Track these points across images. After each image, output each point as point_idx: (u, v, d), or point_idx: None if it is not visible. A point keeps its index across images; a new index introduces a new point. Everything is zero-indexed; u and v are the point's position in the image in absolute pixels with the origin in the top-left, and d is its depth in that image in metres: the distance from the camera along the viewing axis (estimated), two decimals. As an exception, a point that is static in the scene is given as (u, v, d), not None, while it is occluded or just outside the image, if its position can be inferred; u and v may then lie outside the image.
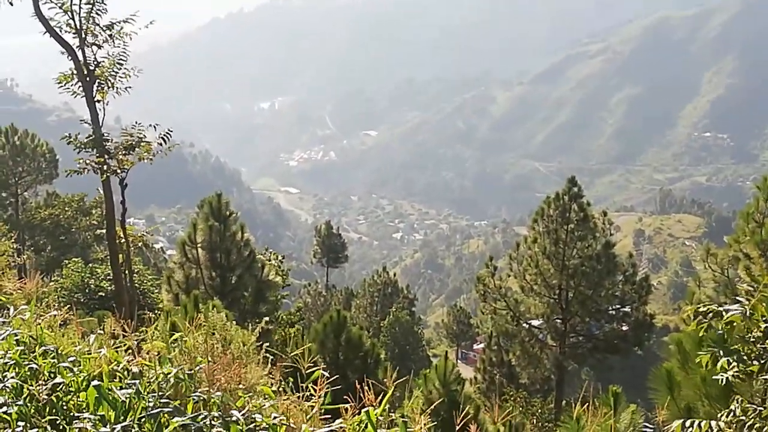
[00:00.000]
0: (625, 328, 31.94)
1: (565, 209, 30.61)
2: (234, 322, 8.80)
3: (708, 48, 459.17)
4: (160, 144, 18.30)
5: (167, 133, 18.29)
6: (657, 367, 8.52)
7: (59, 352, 6.12)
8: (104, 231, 35.02)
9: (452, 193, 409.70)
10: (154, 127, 18.54)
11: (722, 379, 6.45)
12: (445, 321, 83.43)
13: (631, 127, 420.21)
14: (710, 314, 6.60)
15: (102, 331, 7.37)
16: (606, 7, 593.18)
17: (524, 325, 32.87)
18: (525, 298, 32.21)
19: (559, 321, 31.93)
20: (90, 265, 32.81)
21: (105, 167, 17.83)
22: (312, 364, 6.79)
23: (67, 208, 46.97)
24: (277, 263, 32.41)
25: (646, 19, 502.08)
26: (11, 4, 16.67)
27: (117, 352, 6.38)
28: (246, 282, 26.11)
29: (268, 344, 7.42)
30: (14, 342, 6.21)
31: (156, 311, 24.35)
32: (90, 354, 6.29)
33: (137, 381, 5.67)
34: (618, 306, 31.80)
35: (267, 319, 8.04)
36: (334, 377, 6.89)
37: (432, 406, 7.18)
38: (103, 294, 29.54)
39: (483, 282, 33.18)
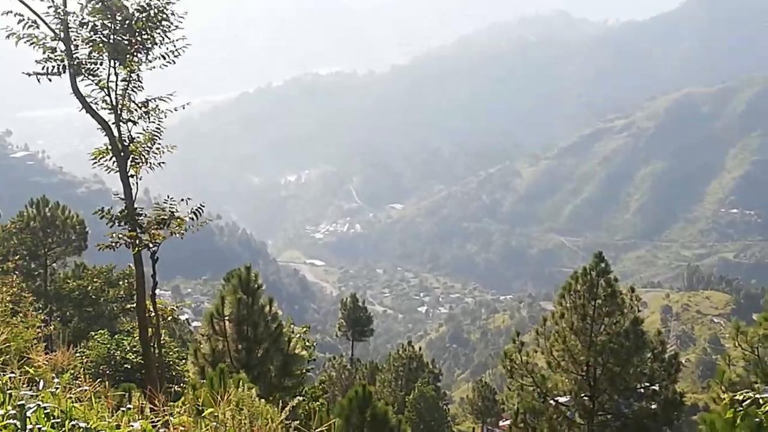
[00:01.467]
0: (654, 406, 31.44)
1: (593, 284, 30.41)
2: (259, 396, 8.78)
3: (733, 124, 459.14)
4: (192, 219, 18.46)
5: (200, 208, 18.46)
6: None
7: (89, 426, 6.12)
8: (132, 303, 35.16)
9: (477, 267, 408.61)
10: (186, 201, 18.69)
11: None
12: (471, 396, 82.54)
13: (658, 202, 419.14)
14: (746, 401, 6.53)
15: (130, 405, 7.36)
16: (630, 82, 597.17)
17: (551, 402, 32.45)
18: (552, 375, 31.87)
19: (587, 398, 31.50)
20: (116, 336, 32.91)
21: (137, 241, 17.99)
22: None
23: (95, 280, 47.23)
24: (302, 335, 32.34)
25: (671, 96, 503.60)
26: (50, 80, 17.04)
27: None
28: (272, 355, 26.04)
29: (294, 419, 7.39)
30: (44, 416, 6.23)
31: (182, 384, 24.34)
32: (119, 428, 6.30)
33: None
34: (647, 384, 31.38)
35: (300, 398, 8.01)
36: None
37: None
38: (129, 366, 29.56)
39: (509, 357, 32.88)
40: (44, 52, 16.99)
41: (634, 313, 30.80)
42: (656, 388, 31.16)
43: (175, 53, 17.60)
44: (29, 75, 17.21)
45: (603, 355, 30.06)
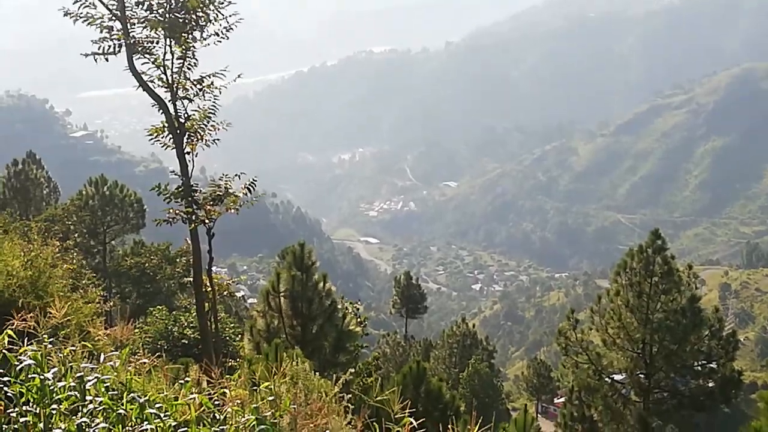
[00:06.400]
0: (711, 384, 31.11)
1: (649, 262, 30.11)
2: (314, 371, 8.84)
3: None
4: (246, 194, 18.68)
5: (252, 182, 18.68)
6: (746, 426, 8.30)
7: (146, 398, 6.20)
8: (189, 279, 35.61)
9: (533, 245, 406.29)
10: (239, 176, 18.92)
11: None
12: (525, 374, 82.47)
13: (717, 179, 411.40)
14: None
15: (188, 378, 7.44)
16: (689, 59, 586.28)
17: (606, 379, 32.30)
18: (607, 352, 31.69)
19: (642, 376, 31.28)
20: (174, 312, 33.40)
21: (193, 217, 18.29)
22: (400, 409, 6.79)
23: (152, 257, 47.90)
24: (354, 311, 32.46)
25: (731, 71, 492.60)
26: (107, 60, 17.27)
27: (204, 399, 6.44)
28: (326, 331, 26.18)
29: (348, 393, 7.44)
30: (103, 388, 6.32)
31: (237, 359, 24.63)
32: (177, 400, 6.38)
33: (223, 428, 5.74)
34: (704, 362, 31.05)
35: (352, 370, 8.06)
36: (414, 430, 6.85)
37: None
38: (186, 341, 30.00)
39: (564, 335, 32.78)
40: (101, 32, 17.23)
41: (692, 290, 30.47)
42: (713, 366, 30.85)
43: (228, 29, 17.74)
44: (86, 56, 17.51)
45: (659, 332, 29.80)
